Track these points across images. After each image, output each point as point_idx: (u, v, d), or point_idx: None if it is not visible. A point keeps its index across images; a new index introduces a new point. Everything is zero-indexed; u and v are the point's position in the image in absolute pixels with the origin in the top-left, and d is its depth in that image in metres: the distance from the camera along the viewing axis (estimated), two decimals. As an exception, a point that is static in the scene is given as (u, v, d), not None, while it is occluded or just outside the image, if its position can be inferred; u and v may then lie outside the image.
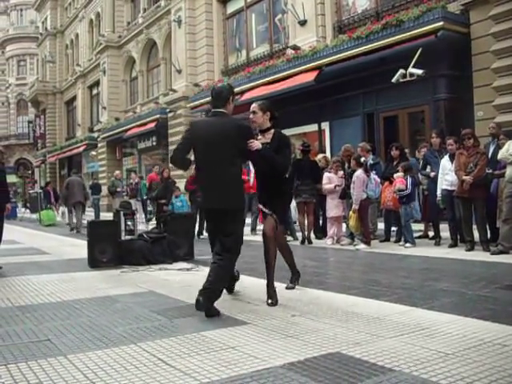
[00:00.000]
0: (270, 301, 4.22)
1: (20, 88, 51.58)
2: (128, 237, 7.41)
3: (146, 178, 16.51)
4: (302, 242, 8.90)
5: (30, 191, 26.90)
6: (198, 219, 10.71)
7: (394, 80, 11.44)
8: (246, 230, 6.91)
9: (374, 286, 4.89)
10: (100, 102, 30.10)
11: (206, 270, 4.09)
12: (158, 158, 23.56)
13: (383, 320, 3.56)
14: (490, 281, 4.98)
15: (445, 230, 8.10)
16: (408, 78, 11.29)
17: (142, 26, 25.41)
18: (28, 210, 22.78)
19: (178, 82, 21.05)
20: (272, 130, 4.51)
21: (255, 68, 16.54)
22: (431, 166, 8.19)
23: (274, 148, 4.33)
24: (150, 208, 17.49)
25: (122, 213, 7.55)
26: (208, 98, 17.90)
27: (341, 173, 8.87)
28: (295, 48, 15.02)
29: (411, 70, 11.13)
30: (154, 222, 12.50)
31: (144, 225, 13.28)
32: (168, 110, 21.32)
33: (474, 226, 7.31)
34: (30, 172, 47.93)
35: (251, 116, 4.52)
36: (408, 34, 11.42)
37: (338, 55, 13.13)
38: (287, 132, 9.10)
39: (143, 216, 16.78)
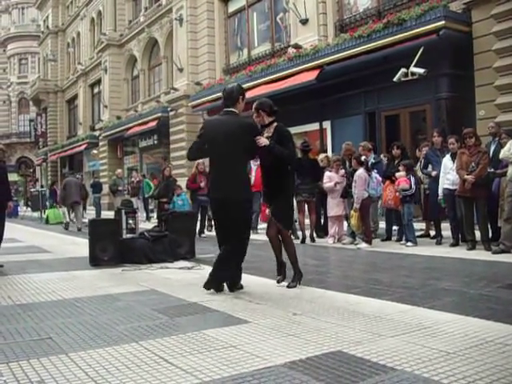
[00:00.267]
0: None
1: (21, 86, 51.58)
2: (129, 235, 7.40)
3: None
4: (303, 241, 8.89)
5: (32, 190, 26.92)
6: (199, 218, 10.71)
7: (395, 79, 11.43)
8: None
9: (376, 285, 4.89)
10: (101, 100, 30.10)
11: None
12: (159, 157, 23.57)
13: (384, 319, 3.56)
14: (492, 280, 4.97)
15: (446, 229, 8.10)
16: (410, 77, 11.28)
17: (144, 25, 25.40)
18: (29, 209, 22.80)
19: (180, 80, 21.05)
20: (274, 124, 4.84)
21: (256, 67, 16.52)
22: (433, 165, 8.17)
23: (275, 141, 4.67)
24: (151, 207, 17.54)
25: (123, 211, 7.54)
26: (209, 97, 18.01)
27: (342, 171, 8.87)
28: (297, 47, 14.99)
29: (413, 68, 11.12)
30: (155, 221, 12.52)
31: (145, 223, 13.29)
32: (169, 109, 21.32)
33: (476, 226, 7.31)
34: (31, 170, 48.02)
35: (254, 116, 4.91)
36: (410, 32, 11.40)
37: (340, 54, 13.11)
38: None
39: (144, 215, 16.82)
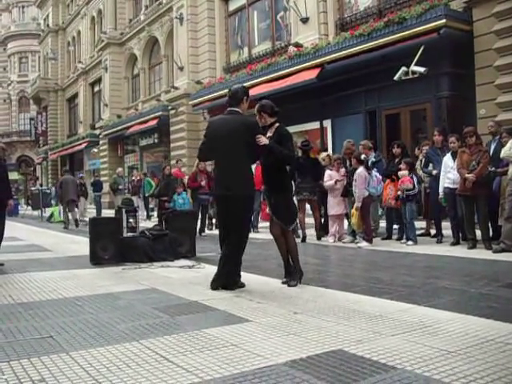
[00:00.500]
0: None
1: (22, 85, 51.54)
2: (130, 234, 7.40)
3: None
4: (303, 240, 8.89)
5: (32, 188, 26.94)
6: (200, 216, 10.71)
7: (396, 78, 11.42)
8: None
9: (376, 284, 4.89)
10: (102, 99, 30.11)
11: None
12: (159, 156, 23.58)
13: (385, 318, 3.56)
14: (492, 279, 4.97)
15: (447, 228, 8.10)
16: (410, 76, 11.27)
17: (144, 24, 25.39)
18: (30, 207, 22.83)
19: (180, 79, 21.05)
20: (276, 125, 4.94)
21: (257, 65, 16.52)
22: (433, 163, 8.17)
23: (275, 141, 4.78)
24: (151, 206, 17.54)
25: (123, 210, 7.54)
26: (209, 95, 18.02)
27: (343, 170, 8.87)
28: (297, 45, 14.98)
29: (413, 67, 11.11)
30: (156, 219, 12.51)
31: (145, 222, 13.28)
32: (170, 108, 21.32)
33: (477, 225, 7.31)
34: (31, 169, 48.03)
35: (256, 118, 5.03)
36: (410, 31, 11.39)
37: (340, 53, 13.11)
38: (289, 130, 9.07)
39: (145, 213, 16.82)
